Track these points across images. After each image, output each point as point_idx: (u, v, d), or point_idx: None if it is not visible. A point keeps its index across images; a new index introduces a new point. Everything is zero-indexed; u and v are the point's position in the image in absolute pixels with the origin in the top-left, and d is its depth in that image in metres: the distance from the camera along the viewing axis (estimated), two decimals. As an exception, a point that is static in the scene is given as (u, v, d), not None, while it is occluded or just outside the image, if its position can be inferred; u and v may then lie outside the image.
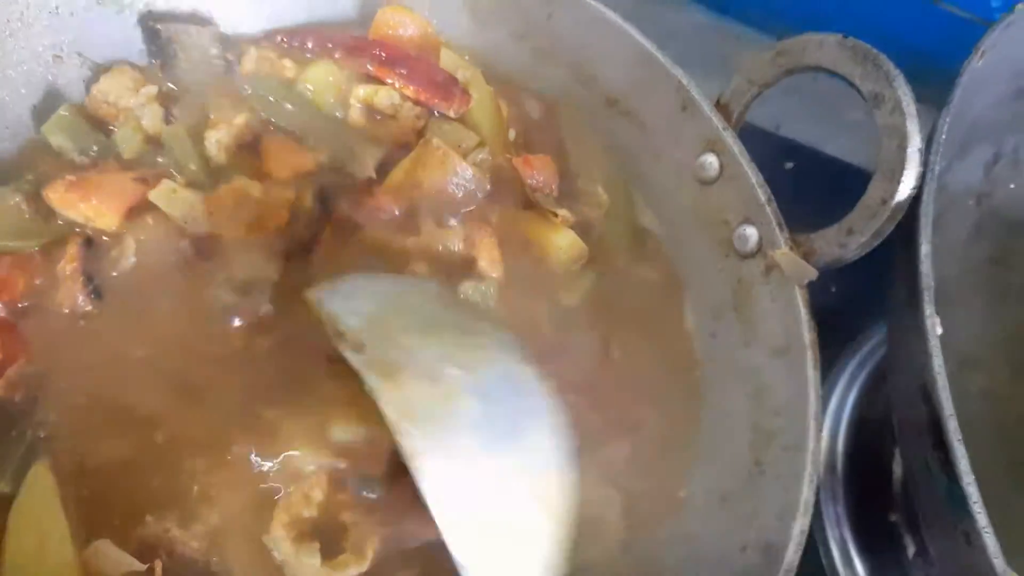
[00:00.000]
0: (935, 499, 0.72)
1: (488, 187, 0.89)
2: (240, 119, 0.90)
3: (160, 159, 0.89)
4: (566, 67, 0.99)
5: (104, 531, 0.70)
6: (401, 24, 0.98)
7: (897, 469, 1.08)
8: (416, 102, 0.93)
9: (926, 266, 0.73)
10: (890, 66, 0.77)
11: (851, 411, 1.14)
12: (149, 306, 0.80)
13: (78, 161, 0.89)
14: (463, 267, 0.84)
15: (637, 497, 0.81)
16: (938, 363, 0.69)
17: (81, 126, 0.90)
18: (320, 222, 0.85)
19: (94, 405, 0.76)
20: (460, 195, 0.88)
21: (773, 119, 1.37)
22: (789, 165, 1.33)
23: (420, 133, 0.93)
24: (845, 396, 1.15)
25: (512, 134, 0.97)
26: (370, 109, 0.93)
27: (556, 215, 0.90)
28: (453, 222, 0.86)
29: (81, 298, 0.79)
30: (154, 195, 0.83)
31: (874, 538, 1.06)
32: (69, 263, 0.80)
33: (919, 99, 0.77)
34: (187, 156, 0.88)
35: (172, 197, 0.83)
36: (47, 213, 0.84)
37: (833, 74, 0.81)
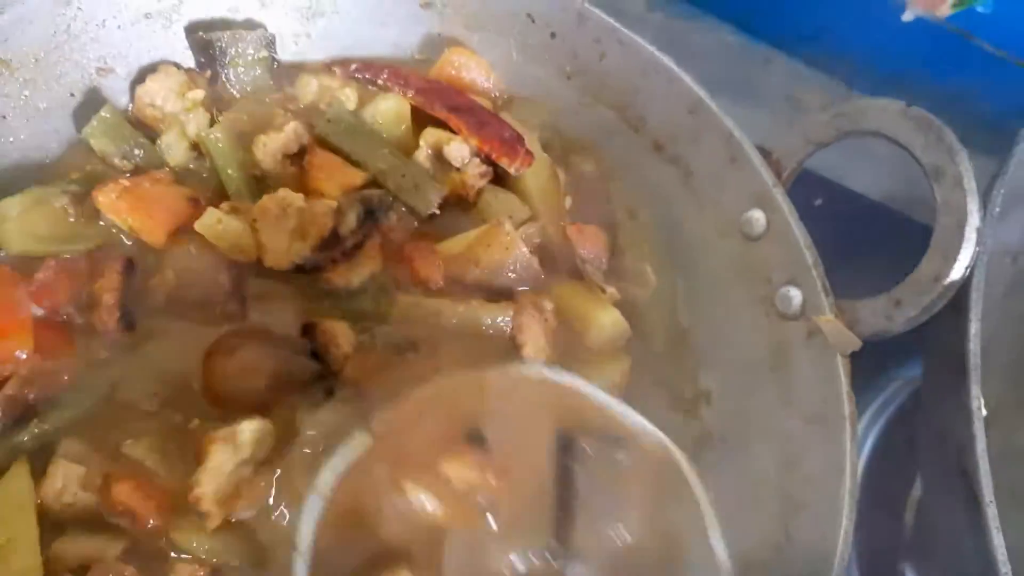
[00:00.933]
0: (959, 563, 0.72)
1: (542, 276, 0.87)
2: (291, 127, 0.89)
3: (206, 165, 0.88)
4: (614, 109, 0.98)
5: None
6: (465, 67, 0.98)
7: (910, 517, 1.09)
8: (479, 154, 0.92)
9: (975, 345, 0.72)
10: (953, 140, 0.76)
11: (867, 455, 1.14)
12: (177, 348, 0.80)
13: (120, 165, 0.88)
14: (504, 347, 0.84)
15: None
16: (981, 447, 0.69)
17: (123, 129, 0.89)
18: (363, 232, 0.84)
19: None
20: (513, 279, 0.87)
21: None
22: (818, 202, 1.32)
23: (478, 194, 0.92)
24: (862, 441, 1.15)
25: (568, 202, 0.96)
26: (437, 156, 0.92)
27: (604, 291, 0.88)
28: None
29: (114, 327, 0.79)
30: (200, 224, 0.81)
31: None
32: (108, 290, 0.79)
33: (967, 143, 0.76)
34: (229, 163, 0.88)
35: (217, 228, 0.82)
36: (92, 216, 0.83)
37: (894, 142, 0.79)
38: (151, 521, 0.73)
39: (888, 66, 1.25)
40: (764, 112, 1.36)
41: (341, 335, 0.81)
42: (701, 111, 0.90)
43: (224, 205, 0.84)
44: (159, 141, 0.89)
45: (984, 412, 0.71)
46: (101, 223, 0.84)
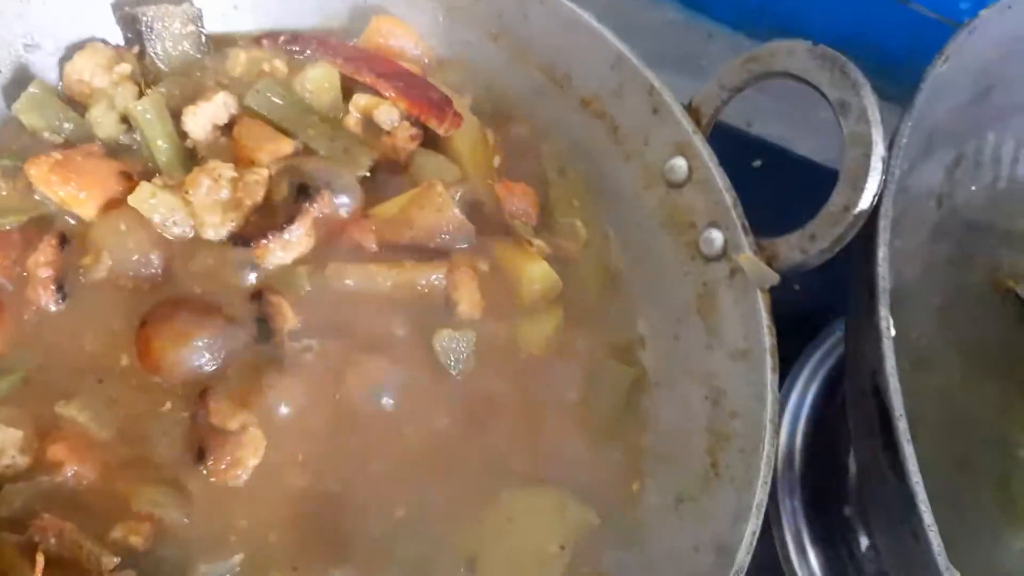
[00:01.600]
0: (885, 497, 0.74)
1: (474, 235, 0.89)
2: (219, 97, 0.90)
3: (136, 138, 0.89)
4: (541, 68, 1.00)
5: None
6: (392, 34, 1.00)
7: (852, 465, 1.11)
8: (409, 117, 0.94)
9: (883, 269, 0.74)
10: (857, 74, 0.78)
11: (810, 408, 1.16)
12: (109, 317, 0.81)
13: (51, 139, 0.89)
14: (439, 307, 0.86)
15: (590, 492, 0.83)
16: (890, 364, 0.71)
17: (53, 104, 0.89)
18: (294, 208, 0.85)
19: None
20: (447, 239, 0.89)
21: (744, 117, 1.38)
22: (757, 163, 1.35)
23: (409, 157, 0.93)
24: (804, 393, 1.17)
25: (497, 161, 0.98)
26: (367, 121, 0.94)
27: (531, 244, 0.90)
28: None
29: (48, 299, 0.80)
30: (133, 199, 0.82)
31: (828, 531, 1.08)
32: (42, 265, 0.80)
33: (885, 98, 0.78)
34: (158, 135, 0.88)
35: (151, 202, 0.83)
36: (24, 190, 0.84)
37: (802, 81, 0.81)
38: (88, 478, 0.74)
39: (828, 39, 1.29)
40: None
41: (287, 310, 0.82)
42: (623, 65, 0.92)
43: (157, 179, 0.84)
44: (88, 115, 0.89)
45: (893, 332, 0.74)
46: (34, 197, 0.85)
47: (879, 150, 0.77)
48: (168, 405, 0.79)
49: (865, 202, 0.78)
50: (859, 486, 1.09)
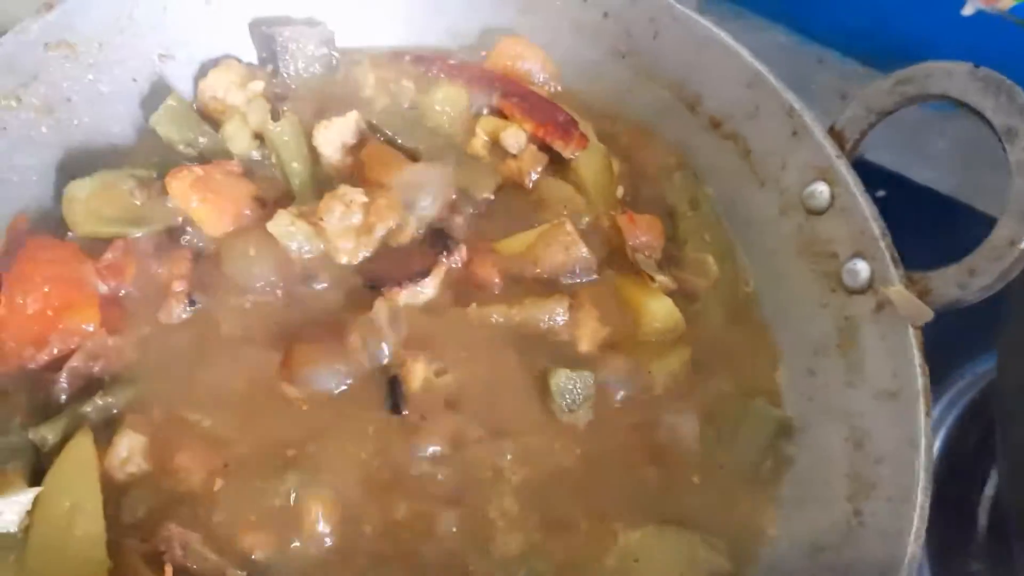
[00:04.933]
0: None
1: (596, 270, 0.87)
2: (351, 114, 0.90)
3: (267, 159, 0.90)
4: (669, 87, 0.97)
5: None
6: (520, 56, 0.99)
7: (983, 517, 1.03)
8: (535, 141, 0.93)
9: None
10: (1025, 98, 0.73)
11: (938, 456, 1.09)
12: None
13: (185, 152, 0.91)
14: (557, 344, 0.83)
15: (721, 536, 0.78)
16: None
17: (189, 117, 0.91)
18: (431, 258, 0.85)
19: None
20: (571, 276, 0.87)
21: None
22: (881, 194, 1.29)
23: (534, 183, 0.92)
24: (932, 437, 1.10)
25: (620, 191, 0.95)
26: (494, 143, 0.93)
27: (653, 280, 0.86)
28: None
29: (180, 311, 0.81)
30: (272, 226, 0.83)
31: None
32: (177, 277, 0.81)
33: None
34: (294, 157, 0.89)
35: (289, 229, 0.83)
36: (157, 200, 0.86)
37: (962, 105, 0.76)
38: (214, 487, 0.74)
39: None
40: (817, 111, 1.36)
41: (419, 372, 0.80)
42: (759, 85, 0.89)
43: (292, 208, 0.85)
44: (222, 130, 0.91)
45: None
46: (166, 208, 0.86)
47: (1052, 180, 0.71)
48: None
49: (1036, 237, 0.72)
50: (991, 540, 1.01)
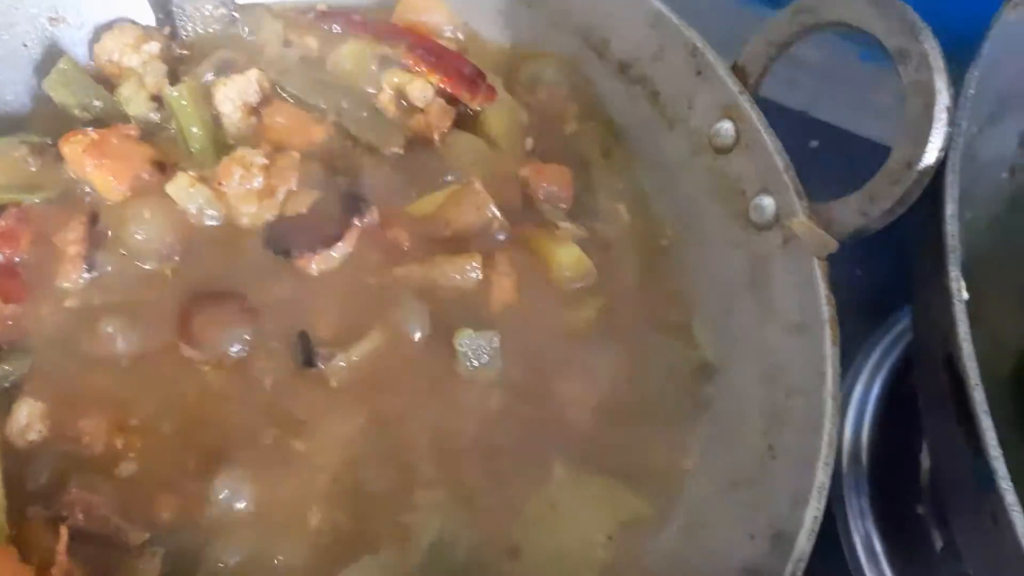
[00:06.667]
0: (961, 480, 0.67)
1: (508, 226, 0.85)
2: (252, 72, 0.88)
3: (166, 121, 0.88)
4: (576, 33, 0.96)
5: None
6: (425, 10, 0.97)
7: (925, 460, 1.03)
8: (443, 95, 0.91)
9: (952, 227, 0.68)
10: (916, 19, 0.72)
11: (877, 399, 1.08)
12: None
13: (80, 116, 0.88)
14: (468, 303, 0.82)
15: (641, 480, 0.77)
16: (963, 329, 0.64)
17: (82, 80, 0.89)
18: (344, 222, 0.83)
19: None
20: (484, 235, 0.86)
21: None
22: (815, 144, 1.28)
23: (442, 137, 0.91)
24: (871, 384, 1.09)
25: (530, 143, 0.93)
26: (401, 98, 0.91)
27: (558, 227, 0.86)
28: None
29: (77, 276, 0.79)
30: (171, 188, 0.81)
31: (900, 532, 1.00)
32: (72, 242, 0.79)
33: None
34: (192, 121, 0.87)
35: (189, 191, 0.81)
36: (52, 166, 0.84)
37: (856, 30, 0.75)
38: (117, 451, 0.73)
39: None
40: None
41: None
42: (661, 25, 0.88)
43: (192, 171, 0.83)
44: (117, 93, 0.88)
45: (966, 296, 0.67)
46: (61, 174, 0.84)
47: (943, 99, 0.71)
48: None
49: (930, 157, 0.71)
50: (934, 482, 1.01)
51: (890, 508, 1.01)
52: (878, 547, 1.00)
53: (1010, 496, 0.61)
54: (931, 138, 0.71)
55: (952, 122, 0.71)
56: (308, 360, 0.76)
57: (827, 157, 1.24)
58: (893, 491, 1.02)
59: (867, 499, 1.02)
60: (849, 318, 1.08)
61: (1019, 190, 1.02)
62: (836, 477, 1.03)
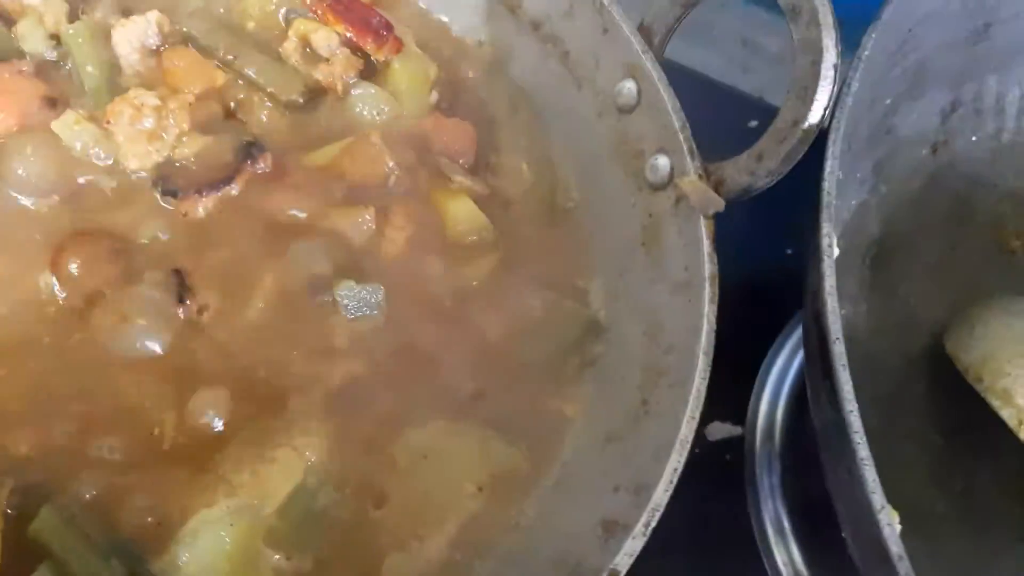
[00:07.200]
0: (827, 437, 0.67)
1: (404, 180, 0.85)
2: (150, 15, 0.87)
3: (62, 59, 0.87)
4: (492, -11, 0.95)
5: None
6: None
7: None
8: (348, 43, 0.90)
9: (829, 184, 0.67)
10: (809, -25, 0.71)
11: (793, 380, 1.07)
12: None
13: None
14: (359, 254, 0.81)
15: (518, 433, 0.76)
16: (830, 284, 0.63)
17: (-22, 17, 0.87)
18: (236, 167, 0.82)
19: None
20: (380, 187, 0.85)
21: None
22: (754, 123, 1.27)
23: (345, 88, 0.89)
24: (788, 364, 1.08)
25: (434, 96, 0.93)
26: (305, 47, 0.90)
27: (452, 180, 0.85)
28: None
29: None
30: (56, 125, 0.80)
31: (810, 512, 0.99)
32: None
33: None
34: (88, 60, 0.86)
35: (74, 128, 0.81)
36: None
37: (750, -13, 0.75)
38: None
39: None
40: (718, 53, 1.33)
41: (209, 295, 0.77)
42: (572, -20, 0.87)
43: (82, 110, 0.82)
44: (14, 29, 0.87)
45: (836, 251, 0.66)
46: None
47: (830, 57, 0.70)
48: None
49: (815, 115, 0.71)
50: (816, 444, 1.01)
51: (801, 488, 1.00)
52: (787, 526, 0.99)
53: (863, 451, 0.60)
54: (816, 96, 0.70)
55: (837, 80, 0.70)
56: (180, 298, 0.75)
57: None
58: (804, 471, 1.01)
59: (777, 478, 1.01)
60: (775, 298, 1.08)
61: (940, 168, 1.01)
62: (748, 454, 1.04)
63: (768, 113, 1.26)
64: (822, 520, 0.99)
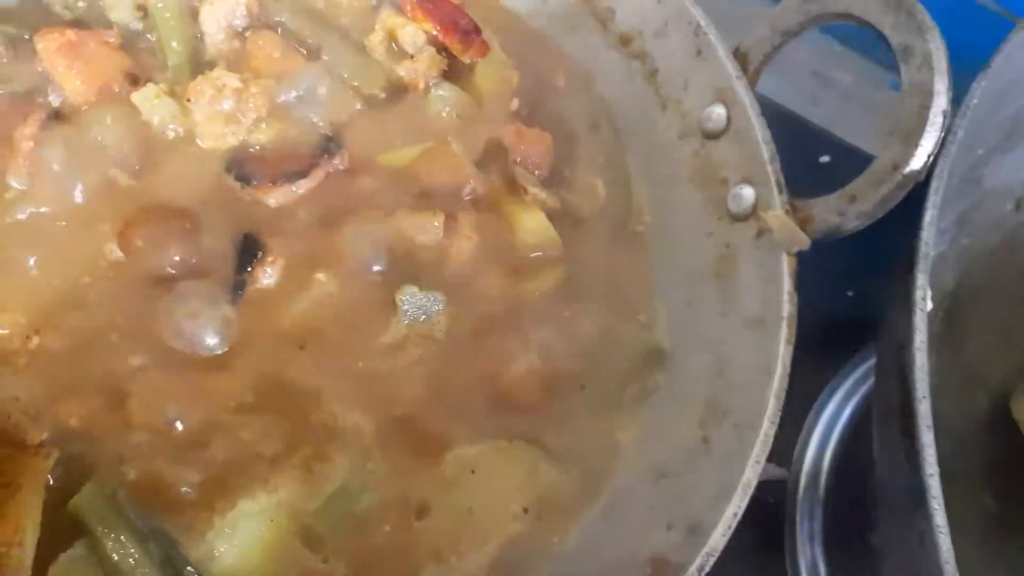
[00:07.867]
0: (896, 495, 0.64)
1: (479, 187, 0.83)
2: None
3: (147, 31, 0.86)
4: (583, 1, 0.93)
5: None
6: None
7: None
8: (435, 41, 0.89)
9: (928, 234, 0.64)
10: (925, 16, 0.68)
11: (844, 425, 1.04)
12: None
13: (61, 14, 0.86)
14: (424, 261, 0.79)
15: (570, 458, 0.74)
16: (920, 339, 0.60)
17: (68, -21, 0.87)
18: (313, 160, 0.81)
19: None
20: (455, 195, 0.83)
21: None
22: (825, 159, 1.25)
23: (428, 86, 0.88)
24: (840, 409, 1.05)
25: (515, 104, 0.90)
26: (391, 41, 0.89)
27: (527, 192, 0.83)
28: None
29: (28, 172, 0.77)
30: (136, 97, 0.80)
31: (848, 560, 0.96)
32: (27, 137, 0.77)
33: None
34: (173, 35, 0.85)
35: (154, 102, 0.80)
36: (25, 61, 0.82)
37: (862, 23, 0.72)
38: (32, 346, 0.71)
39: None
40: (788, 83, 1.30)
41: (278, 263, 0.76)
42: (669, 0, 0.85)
43: (163, 84, 0.81)
44: (103, -4, 0.87)
45: (930, 305, 0.63)
46: (32, 69, 0.82)
47: (941, 102, 0.67)
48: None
49: (918, 161, 0.68)
50: (874, 496, 0.98)
51: (842, 535, 0.97)
52: (823, 572, 0.96)
53: (939, 517, 0.57)
54: (922, 141, 0.67)
55: (945, 127, 0.67)
56: (246, 261, 0.74)
57: (834, 173, 1.20)
58: (848, 519, 0.98)
59: (819, 523, 0.98)
60: (829, 340, 1.05)
61: (1021, 225, 0.98)
62: (790, 497, 1.01)
63: (837, 148, 1.26)
64: (859, 570, 0.97)
